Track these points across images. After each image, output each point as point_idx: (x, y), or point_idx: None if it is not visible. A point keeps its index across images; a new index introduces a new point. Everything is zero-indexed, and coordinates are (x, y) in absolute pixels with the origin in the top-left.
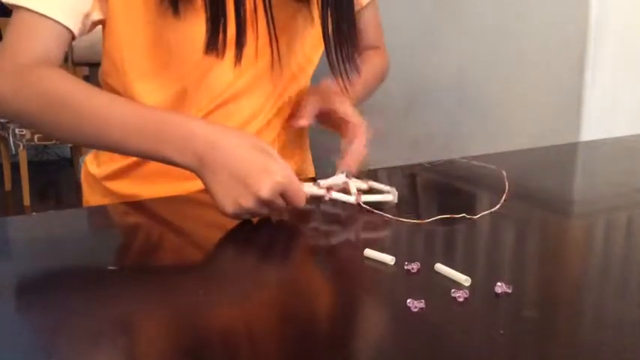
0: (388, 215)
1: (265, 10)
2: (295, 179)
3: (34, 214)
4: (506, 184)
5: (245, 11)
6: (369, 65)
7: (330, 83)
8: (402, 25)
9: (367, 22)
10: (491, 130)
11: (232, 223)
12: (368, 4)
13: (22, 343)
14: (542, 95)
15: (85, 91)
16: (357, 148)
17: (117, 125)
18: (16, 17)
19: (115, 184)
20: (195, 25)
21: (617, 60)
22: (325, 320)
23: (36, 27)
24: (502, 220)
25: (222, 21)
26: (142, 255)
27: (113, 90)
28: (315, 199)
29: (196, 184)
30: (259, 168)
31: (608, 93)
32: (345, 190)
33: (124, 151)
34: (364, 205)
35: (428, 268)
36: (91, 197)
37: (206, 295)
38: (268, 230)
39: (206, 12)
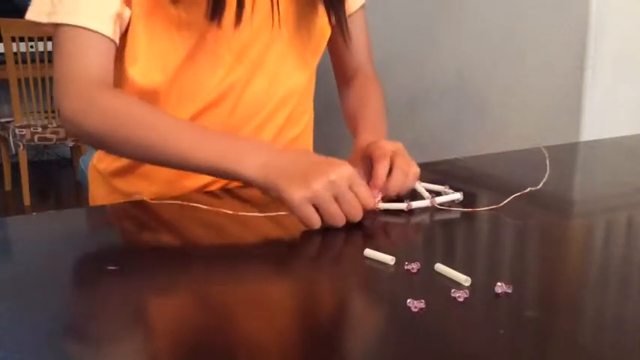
0: (463, 209)
1: None
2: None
3: (34, 214)
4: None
5: None
6: (377, 107)
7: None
8: (403, 26)
9: (356, 29)
10: (491, 130)
11: (230, 224)
12: (356, 11)
13: (22, 343)
14: (542, 95)
15: (152, 111)
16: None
17: (186, 142)
18: (60, 35)
19: (120, 181)
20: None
21: (617, 60)
22: (325, 320)
23: (82, 43)
24: (502, 220)
25: None
26: (142, 255)
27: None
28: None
29: (195, 182)
30: (328, 161)
31: (608, 93)
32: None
33: (190, 166)
34: (439, 207)
35: (428, 268)
36: (97, 193)
37: (205, 294)
38: (267, 230)
39: None
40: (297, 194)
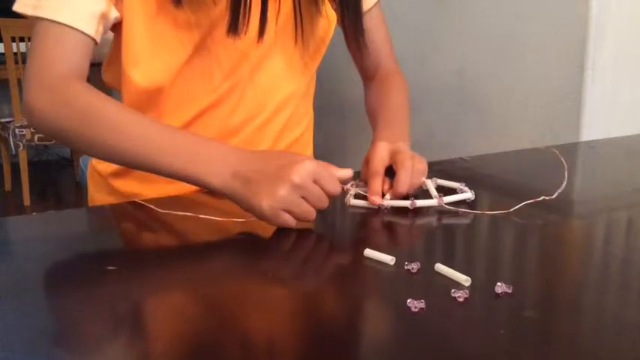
0: (471, 211)
1: None
2: (328, 166)
3: (34, 214)
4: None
5: None
6: (397, 101)
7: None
8: (403, 26)
9: (373, 26)
10: (491, 130)
11: (232, 224)
12: (371, 8)
13: (22, 342)
14: (542, 95)
15: (122, 110)
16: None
17: (152, 144)
18: (39, 28)
19: (119, 182)
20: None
21: (617, 60)
22: (325, 320)
23: (61, 38)
24: (502, 220)
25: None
26: (141, 255)
27: (112, 78)
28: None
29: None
30: (290, 161)
31: (608, 93)
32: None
33: (155, 170)
34: (447, 207)
35: (428, 268)
36: (96, 194)
37: (205, 294)
38: (267, 230)
39: None
40: (265, 205)
